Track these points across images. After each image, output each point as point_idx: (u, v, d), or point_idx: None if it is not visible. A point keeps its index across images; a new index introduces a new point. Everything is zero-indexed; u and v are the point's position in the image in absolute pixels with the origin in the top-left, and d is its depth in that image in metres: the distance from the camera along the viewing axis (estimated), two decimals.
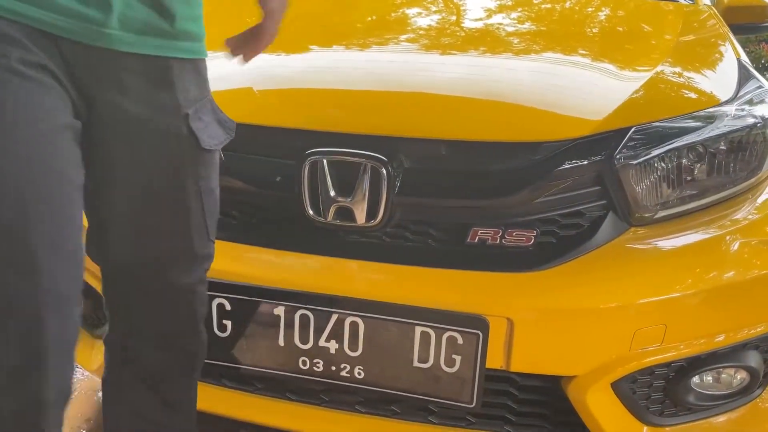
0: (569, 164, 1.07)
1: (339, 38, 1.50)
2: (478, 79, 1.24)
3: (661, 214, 1.13)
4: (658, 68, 1.28)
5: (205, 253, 0.94)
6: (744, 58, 1.47)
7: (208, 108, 0.90)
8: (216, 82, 1.23)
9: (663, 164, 1.11)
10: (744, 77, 1.33)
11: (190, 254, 0.92)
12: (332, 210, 1.09)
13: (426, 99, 1.17)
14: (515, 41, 1.50)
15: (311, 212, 1.10)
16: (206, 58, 0.91)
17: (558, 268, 1.06)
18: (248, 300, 1.10)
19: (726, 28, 1.65)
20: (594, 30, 1.58)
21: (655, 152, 1.10)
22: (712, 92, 1.26)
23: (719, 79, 1.33)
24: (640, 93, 1.18)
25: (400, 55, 1.41)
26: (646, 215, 1.11)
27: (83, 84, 0.78)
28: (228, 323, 1.12)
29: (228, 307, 1.11)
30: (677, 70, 1.31)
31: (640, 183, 1.10)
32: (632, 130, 1.09)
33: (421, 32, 1.55)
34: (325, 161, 1.07)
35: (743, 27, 2.08)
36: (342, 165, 1.08)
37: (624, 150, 1.08)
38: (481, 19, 1.62)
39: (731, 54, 1.43)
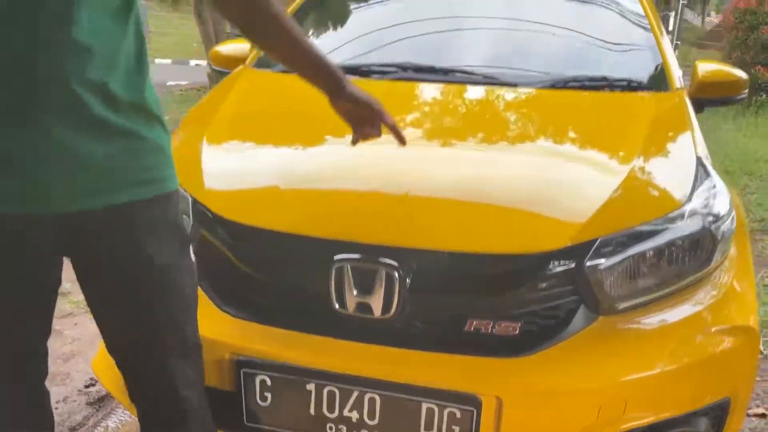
0: (546, 271, 1.31)
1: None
2: (471, 185, 1.48)
3: (625, 305, 1.36)
4: (627, 171, 1.52)
5: (177, 338, 1.19)
6: (702, 152, 1.70)
7: (172, 229, 1.16)
8: (239, 180, 1.49)
9: (625, 264, 1.35)
10: (701, 176, 1.57)
11: (158, 342, 1.17)
12: (353, 304, 1.33)
13: (429, 210, 1.41)
14: (508, 135, 1.75)
15: (336, 306, 1.34)
16: (173, 191, 1.15)
17: (539, 354, 1.30)
18: (285, 377, 1.35)
19: (690, 117, 1.87)
20: (576, 126, 1.82)
21: (618, 258, 1.33)
22: (671, 195, 1.49)
23: (678, 178, 1.56)
24: (609, 201, 1.42)
25: (407, 152, 1.65)
26: (613, 306, 1.35)
27: (64, 237, 1.06)
28: (268, 395, 1.37)
29: (268, 382, 1.36)
30: (642, 174, 1.55)
31: (605, 281, 1.33)
32: (599, 241, 1.33)
33: (427, 125, 1.80)
34: (348, 266, 1.32)
35: (716, 100, 2.30)
36: (362, 268, 1.32)
37: (592, 257, 1.32)
38: (478, 115, 1.87)
39: (691, 151, 1.66)
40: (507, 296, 1.33)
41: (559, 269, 1.32)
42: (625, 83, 2.04)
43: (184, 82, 9.50)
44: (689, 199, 1.47)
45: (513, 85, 1.97)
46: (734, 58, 8.89)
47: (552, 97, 1.95)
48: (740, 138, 6.51)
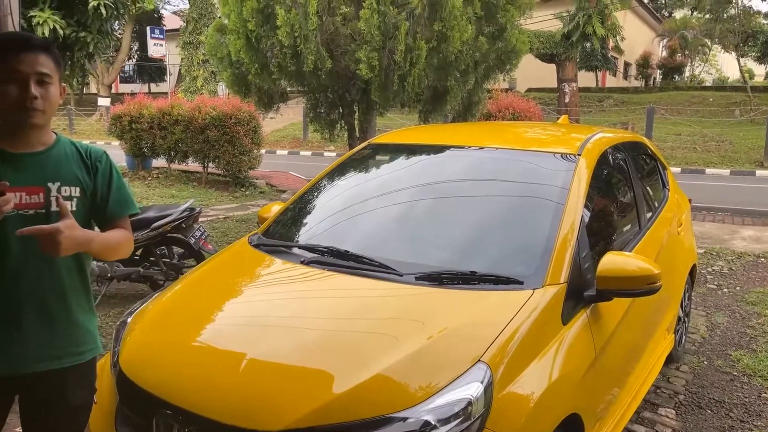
0: None
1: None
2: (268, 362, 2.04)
3: None
4: (386, 368, 1.91)
5: None
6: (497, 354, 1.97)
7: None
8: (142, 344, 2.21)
9: None
10: (467, 380, 1.87)
11: None
12: None
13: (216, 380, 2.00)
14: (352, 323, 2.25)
15: None
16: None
17: None
18: None
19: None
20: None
21: None
22: (413, 393, 1.84)
23: (441, 376, 1.89)
24: (348, 391, 1.84)
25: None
26: None
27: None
28: None
29: None
30: (407, 369, 1.92)
31: None
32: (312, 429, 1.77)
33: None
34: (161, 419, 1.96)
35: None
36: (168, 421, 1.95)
37: None
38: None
39: (477, 354, 1.96)
40: None
41: None
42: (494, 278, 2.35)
43: None
44: (428, 400, 1.81)
45: (395, 277, 2.41)
46: None
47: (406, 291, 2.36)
48: None
